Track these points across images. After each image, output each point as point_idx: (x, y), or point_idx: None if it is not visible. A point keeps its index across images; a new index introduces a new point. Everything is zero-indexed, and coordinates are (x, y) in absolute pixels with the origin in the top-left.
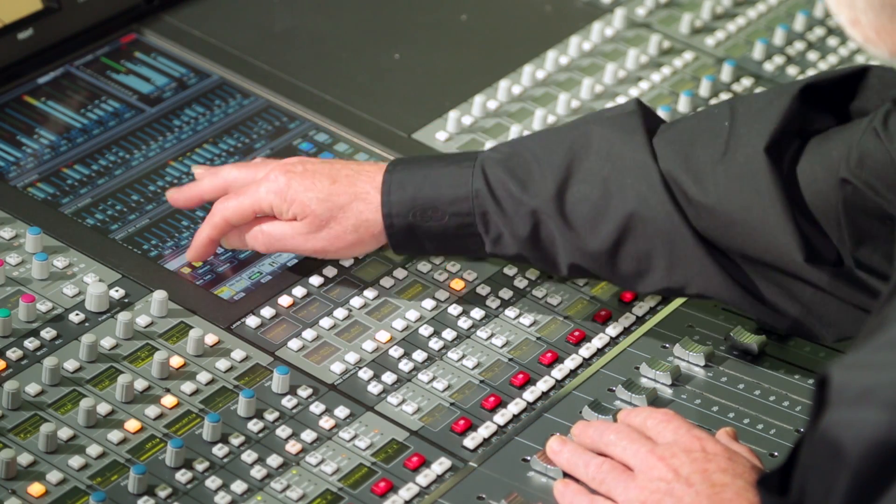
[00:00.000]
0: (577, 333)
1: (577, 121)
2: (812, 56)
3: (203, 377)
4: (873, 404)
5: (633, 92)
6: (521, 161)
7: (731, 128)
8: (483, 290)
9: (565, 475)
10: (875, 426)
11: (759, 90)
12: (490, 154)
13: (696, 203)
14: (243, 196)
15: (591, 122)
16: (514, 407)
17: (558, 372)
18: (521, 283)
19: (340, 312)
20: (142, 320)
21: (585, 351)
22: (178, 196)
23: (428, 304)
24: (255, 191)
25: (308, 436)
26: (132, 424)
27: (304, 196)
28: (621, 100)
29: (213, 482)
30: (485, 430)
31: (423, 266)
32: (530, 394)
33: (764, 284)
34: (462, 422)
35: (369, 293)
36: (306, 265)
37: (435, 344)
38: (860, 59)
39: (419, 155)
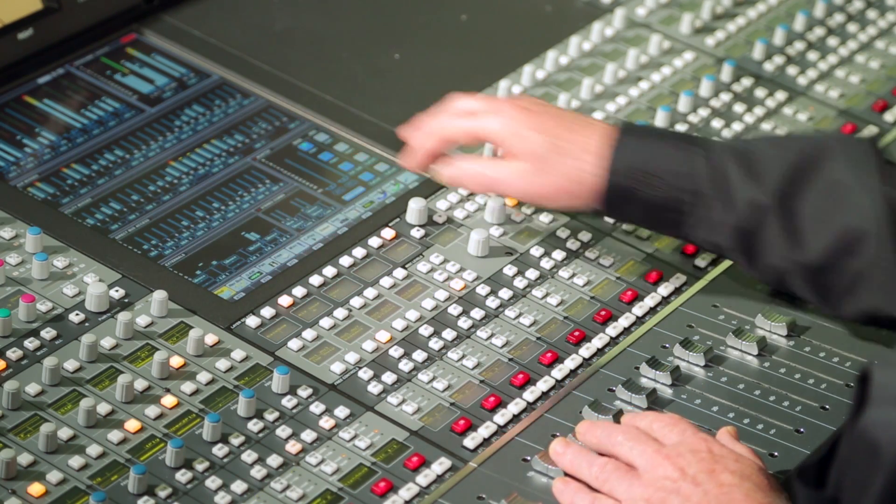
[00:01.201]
0: (577, 333)
1: (814, 134)
2: (812, 56)
3: (203, 377)
4: None
5: (633, 92)
6: (753, 155)
7: None
8: (483, 290)
9: (566, 475)
10: None
11: (759, 90)
12: (723, 143)
13: None
14: (472, 119)
15: (830, 137)
16: (514, 407)
17: (558, 372)
18: (521, 283)
19: (340, 312)
20: (142, 320)
21: (585, 351)
22: (411, 160)
23: (428, 304)
24: (484, 118)
25: (308, 436)
26: (132, 424)
27: (535, 136)
28: (621, 100)
29: (213, 482)
30: (485, 430)
31: (423, 266)
32: (530, 394)
33: None
34: (462, 422)
35: (369, 293)
36: (306, 265)
37: (435, 344)
38: (860, 60)
39: (650, 125)
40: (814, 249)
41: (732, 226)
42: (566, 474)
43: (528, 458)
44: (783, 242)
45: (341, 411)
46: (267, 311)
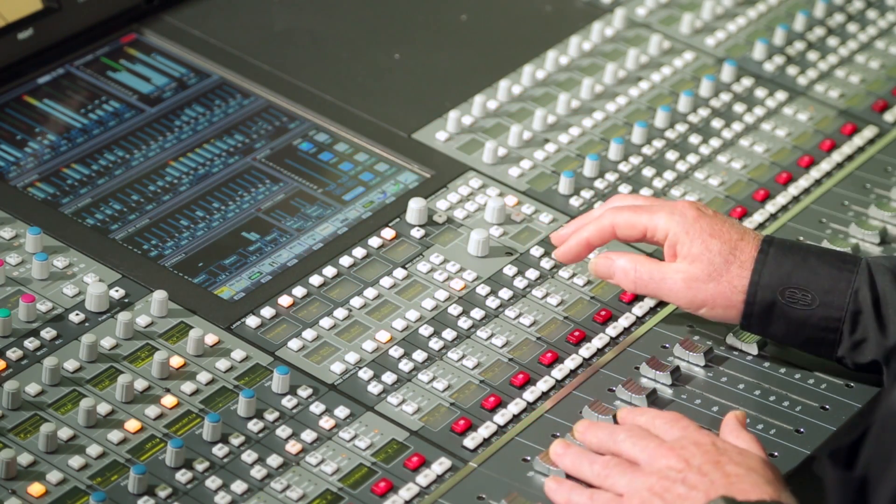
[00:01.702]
0: (577, 333)
1: None
2: (812, 56)
3: (203, 377)
4: None
5: (633, 92)
6: None
7: None
8: (483, 290)
9: (567, 476)
10: None
11: (759, 90)
12: (878, 259)
13: None
14: (641, 213)
15: None
16: (514, 407)
17: (558, 372)
18: (521, 283)
19: (340, 312)
20: (142, 320)
21: (585, 351)
22: (566, 252)
23: (428, 304)
24: (655, 213)
25: (308, 436)
26: (132, 424)
27: (710, 239)
28: (621, 100)
29: (213, 482)
30: (485, 430)
31: (423, 266)
32: (530, 394)
33: None
34: (462, 422)
35: (369, 293)
36: (306, 265)
37: (435, 344)
38: (860, 60)
39: (796, 241)
40: None
41: (883, 348)
42: (567, 475)
43: (528, 458)
44: None
45: (341, 411)
46: (267, 311)
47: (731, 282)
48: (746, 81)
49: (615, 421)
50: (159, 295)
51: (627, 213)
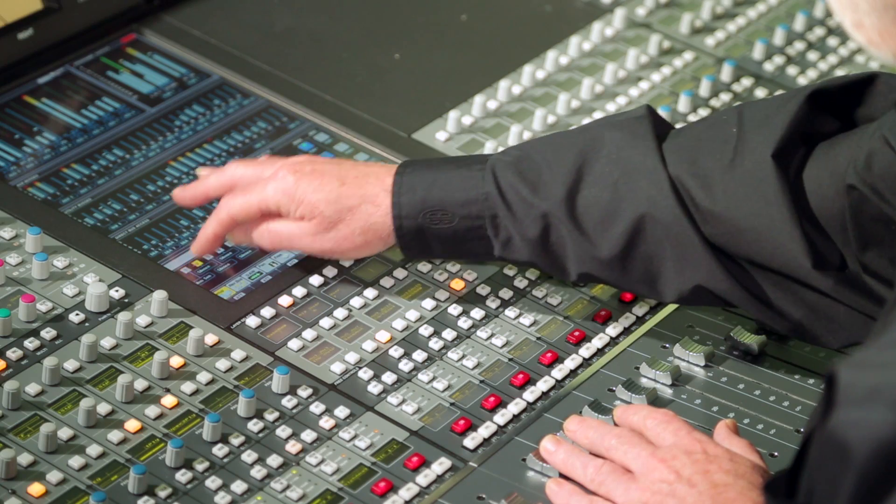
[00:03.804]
0: (577, 333)
1: (587, 125)
2: (812, 56)
3: (203, 377)
4: (880, 404)
5: (633, 92)
6: (532, 164)
7: (739, 134)
8: (483, 290)
9: (560, 475)
10: (882, 426)
11: (759, 90)
12: (500, 157)
13: (704, 209)
14: (250, 194)
15: (602, 126)
16: (514, 407)
17: (558, 372)
18: (521, 283)
19: (340, 312)
20: (142, 320)
21: (585, 351)
22: (183, 195)
23: (428, 304)
24: (262, 189)
25: (308, 436)
26: (132, 424)
27: (313, 197)
28: (621, 100)
29: (213, 482)
30: (485, 430)
31: (423, 266)
32: (530, 394)
33: (771, 289)
34: (462, 422)
35: (369, 293)
36: (306, 265)
37: (435, 344)
38: (860, 60)
39: (428, 158)
40: (606, 245)
41: (528, 241)
42: (560, 474)
43: (528, 458)
44: (578, 245)
45: (341, 411)
46: (267, 311)
47: (348, 227)
48: (746, 81)
49: (613, 421)
50: (159, 295)
51: (240, 197)
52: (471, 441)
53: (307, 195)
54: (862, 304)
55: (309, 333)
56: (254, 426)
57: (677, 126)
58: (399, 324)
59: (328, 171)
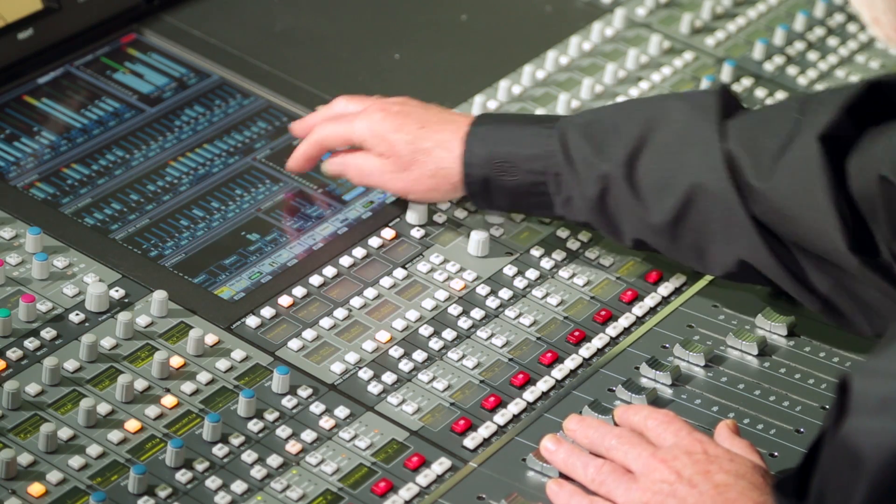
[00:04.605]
0: (577, 333)
1: (659, 95)
2: (812, 56)
3: (203, 377)
4: (893, 414)
5: (633, 92)
6: (600, 127)
7: (797, 119)
8: (483, 290)
9: (560, 475)
10: (894, 436)
11: (759, 90)
12: (572, 119)
13: (754, 187)
14: (341, 123)
15: (673, 97)
16: (514, 407)
17: (558, 372)
18: (521, 283)
19: (340, 312)
20: (142, 320)
21: (585, 351)
22: (298, 125)
23: (428, 304)
24: (351, 122)
25: (308, 436)
26: (132, 424)
27: (392, 136)
28: (621, 100)
29: (213, 482)
30: (485, 430)
31: (423, 266)
32: (530, 394)
33: (811, 271)
34: (462, 422)
35: (369, 293)
36: (306, 265)
37: (435, 344)
38: (860, 60)
39: (507, 112)
40: (659, 211)
41: (587, 200)
42: (561, 474)
43: (528, 458)
44: (633, 209)
45: (341, 411)
46: (267, 311)
47: (420, 169)
48: (746, 81)
49: (613, 421)
50: (159, 295)
51: (333, 125)
52: (471, 441)
53: (388, 133)
54: (893, 292)
55: (309, 333)
56: (254, 426)
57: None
58: (399, 324)
59: (413, 113)
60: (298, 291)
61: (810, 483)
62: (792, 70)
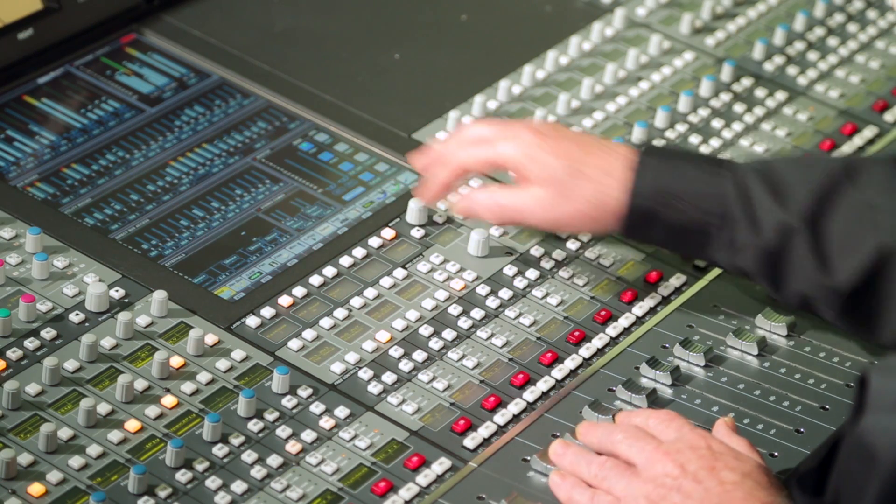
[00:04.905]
0: (577, 333)
1: (842, 156)
2: (812, 56)
3: (203, 377)
4: None
5: (633, 92)
6: (779, 175)
7: None
8: (483, 290)
9: None
10: None
11: (759, 90)
12: (747, 163)
13: None
14: (486, 146)
15: (853, 157)
16: (514, 407)
17: (558, 372)
18: (520, 283)
19: (340, 312)
20: (142, 320)
21: (585, 351)
22: (423, 157)
23: (428, 304)
24: (498, 144)
25: (308, 436)
26: (132, 424)
27: (554, 161)
28: (621, 100)
29: (213, 482)
30: (485, 430)
31: (423, 266)
32: (530, 394)
33: None
34: (462, 422)
35: (369, 293)
36: (306, 265)
37: (435, 344)
38: (860, 60)
39: (673, 146)
40: (843, 272)
41: (759, 249)
42: None
43: (528, 458)
44: (811, 266)
45: (341, 411)
46: (267, 311)
47: (584, 197)
48: (746, 81)
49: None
50: (159, 295)
51: (473, 148)
52: (471, 441)
53: (547, 158)
54: None
55: (309, 333)
56: (254, 426)
57: None
58: (399, 324)
59: (569, 136)
60: (298, 291)
61: (828, 480)
62: (792, 70)
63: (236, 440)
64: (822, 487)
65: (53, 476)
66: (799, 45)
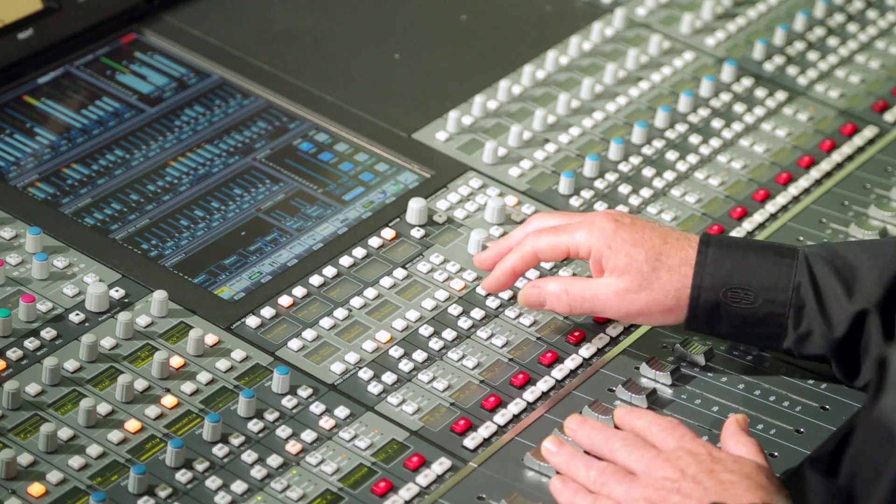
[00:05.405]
0: (577, 333)
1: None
2: (812, 56)
3: (203, 377)
4: None
5: (633, 92)
6: (846, 262)
7: None
8: (483, 289)
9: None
10: None
11: (759, 90)
12: (812, 249)
13: None
14: (561, 233)
15: None
16: (514, 407)
17: (558, 372)
18: (520, 282)
19: (340, 312)
20: (142, 320)
21: (585, 351)
22: (489, 252)
23: (428, 304)
24: (574, 231)
25: (308, 436)
26: (132, 424)
27: (633, 249)
28: (621, 100)
29: (213, 482)
30: (485, 430)
31: (423, 266)
32: (530, 394)
33: None
34: (462, 422)
35: (369, 293)
36: (306, 265)
37: (435, 344)
38: (860, 60)
39: (733, 236)
40: None
41: (833, 338)
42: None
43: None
44: (883, 353)
45: (341, 411)
46: (267, 311)
47: (664, 287)
48: (746, 81)
49: (613, 422)
50: (159, 295)
51: (547, 235)
52: (471, 441)
53: (627, 246)
54: None
55: (309, 333)
56: (254, 426)
57: None
58: (399, 324)
59: (648, 226)
60: (298, 291)
61: (842, 461)
62: (792, 70)
63: (236, 440)
64: (835, 469)
65: (53, 476)
66: (799, 45)
